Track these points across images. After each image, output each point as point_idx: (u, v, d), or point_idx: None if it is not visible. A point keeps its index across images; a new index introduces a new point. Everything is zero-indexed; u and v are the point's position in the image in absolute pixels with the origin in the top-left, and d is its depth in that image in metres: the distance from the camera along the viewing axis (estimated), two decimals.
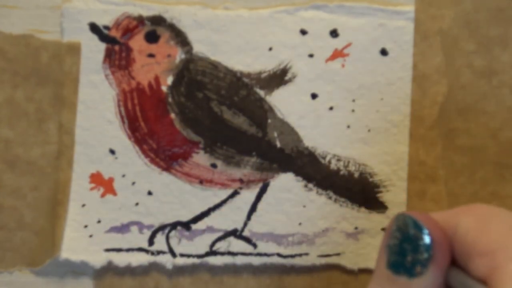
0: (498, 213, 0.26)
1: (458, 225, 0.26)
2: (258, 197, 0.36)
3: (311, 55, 0.36)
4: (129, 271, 0.37)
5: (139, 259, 0.36)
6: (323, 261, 0.37)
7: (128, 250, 0.36)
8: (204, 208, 0.36)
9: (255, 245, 0.37)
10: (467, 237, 0.25)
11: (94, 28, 0.36)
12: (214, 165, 0.36)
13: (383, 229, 0.36)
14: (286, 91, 0.36)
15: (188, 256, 0.37)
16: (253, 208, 0.36)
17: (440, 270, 0.26)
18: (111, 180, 0.36)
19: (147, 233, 0.36)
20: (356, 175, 0.37)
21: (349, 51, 0.36)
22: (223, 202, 0.36)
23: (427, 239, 0.25)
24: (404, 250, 0.26)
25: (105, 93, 0.36)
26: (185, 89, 0.36)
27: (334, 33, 0.36)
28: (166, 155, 0.36)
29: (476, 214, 0.26)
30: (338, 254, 0.37)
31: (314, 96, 0.36)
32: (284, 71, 0.36)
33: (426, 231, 0.25)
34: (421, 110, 0.36)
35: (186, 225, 0.37)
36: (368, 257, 0.37)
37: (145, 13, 0.36)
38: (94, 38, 0.36)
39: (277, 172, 0.36)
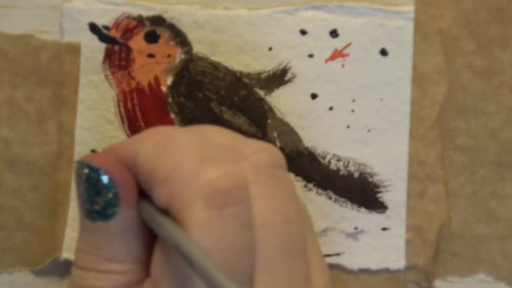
0: (174, 136, 0.25)
1: (139, 152, 0.25)
2: None
3: (311, 55, 0.36)
4: None
5: None
6: None
7: None
8: None
9: None
10: (146, 165, 0.25)
11: (94, 28, 0.36)
12: None
13: (383, 229, 0.36)
14: (286, 91, 0.36)
15: None
16: None
17: (130, 206, 0.25)
18: None
19: None
20: (356, 175, 0.37)
21: (349, 51, 0.36)
22: None
23: (105, 180, 0.25)
24: (90, 196, 0.25)
25: (105, 93, 0.36)
26: (185, 89, 0.36)
27: (334, 33, 0.36)
28: None
29: (155, 138, 0.25)
30: (338, 254, 0.37)
31: (314, 96, 0.36)
32: (284, 71, 0.36)
33: (101, 171, 0.25)
34: (421, 110, 0.36)
35: None
36: (368, 257, 0.37)
37: (145, 13, 0.36)
38: (94, 38, 0.36)
39: None
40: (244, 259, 0.24)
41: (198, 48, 0.36)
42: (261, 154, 0.27)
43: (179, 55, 0.36)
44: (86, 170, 0.25)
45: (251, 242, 0.25)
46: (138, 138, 0.26)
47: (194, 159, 0.24)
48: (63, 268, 0.37)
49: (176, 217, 0.24)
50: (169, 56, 0.36)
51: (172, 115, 0.36)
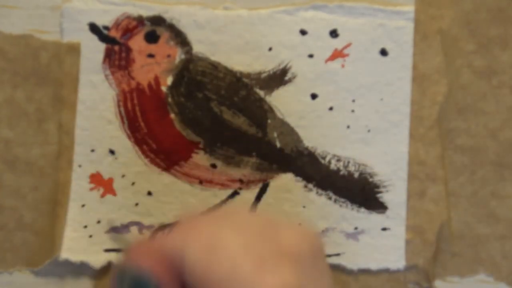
0: (222, 236, 0.24)
1: (186, 253, 0.24)
2: (258, 198, 0.36)
3: (311, 55, 0.36)
4: None
5: None
6: None
7: None
8: (204, 208, 0.36)
9: None
10: (195, 270, 0.24)
11: (94, 28, 0.36)
12: (214, 166, 0.36)
13: (383, 229, 0.36)
14: (286, 91, 0.36)
15: None
16: (253, 209, 0.36)
17: None
18: (110, 180, 0.36)
19: (147, 234, 0.36)
20: (356, 175, 0.37)
21: (349, 51, 0.36)
22: (223, 202, 0.36)
23: (151, 286, 0.24)
24: None
25: (105, 93, 0.36)
26: (185, 89, 0.36)
27: (334, 33, 0.36)
28: (166, 155, 0.36)
29: (202, 240, 0.24)
30: (338, 255, 0.37)
31: (314, 96, 0.36)
32: (284, 71, 0.36)
33: (148, 278, 0.24)
34: (421, 110, 0.36)
35: None
36: (368, 257, 0.37)
37: (145, 13, 0.36)
38: (94, 38, 0.36)
39: (277, 173, 0.36)
40: None
41: (198, 48, 0.36)
42: (303, 245, 0.26)
43: (179, 55, 0.36)
44: (131, 275, 0.25)
45: None
46: (183, 233, 0.25)
47: (249, 265, 0.24)
48: (63, 268, 0.37)
49: None
50: (169, 56, 0.36)
51: (172, 115, 0.36)
